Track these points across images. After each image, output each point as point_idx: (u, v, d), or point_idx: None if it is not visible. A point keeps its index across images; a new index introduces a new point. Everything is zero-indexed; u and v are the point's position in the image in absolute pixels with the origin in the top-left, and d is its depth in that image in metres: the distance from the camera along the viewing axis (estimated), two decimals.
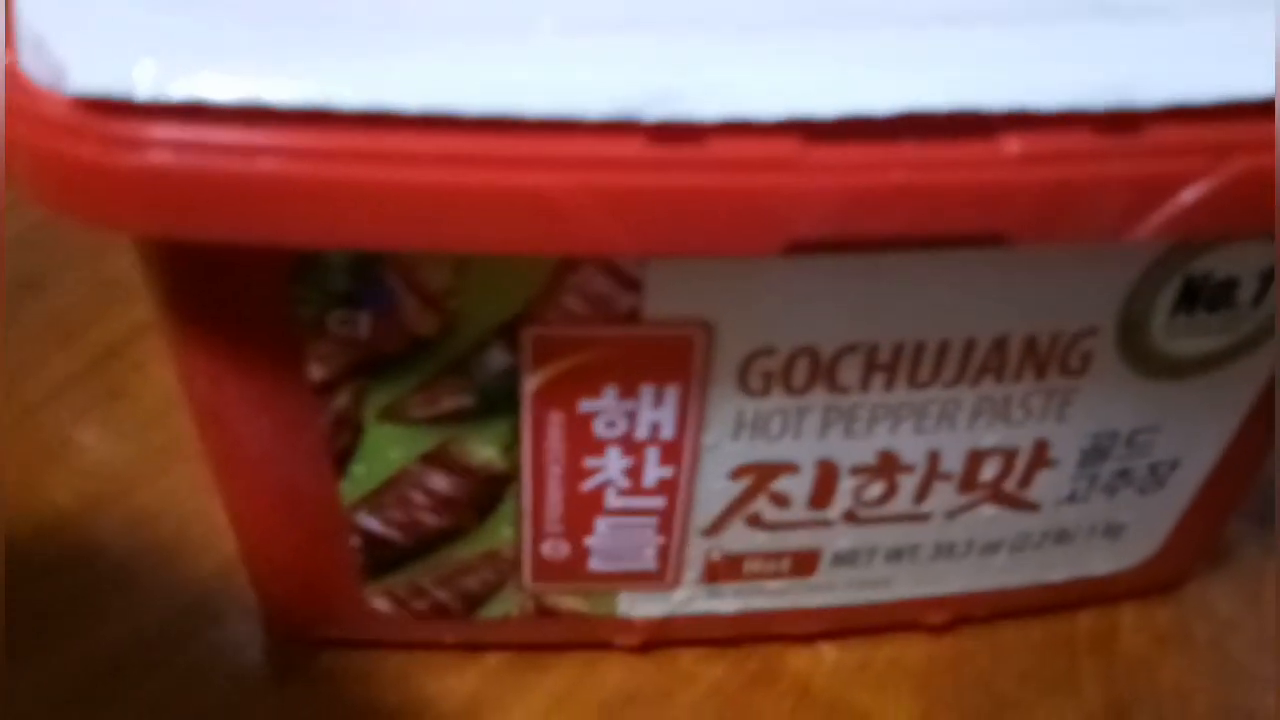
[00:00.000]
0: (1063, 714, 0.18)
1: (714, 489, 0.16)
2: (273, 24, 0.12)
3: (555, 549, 0.16)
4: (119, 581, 0.19)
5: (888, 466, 0.16)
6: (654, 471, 0.15)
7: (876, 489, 0.16)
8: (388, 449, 0.15)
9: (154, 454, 0.21)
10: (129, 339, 0.23)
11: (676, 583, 0.17)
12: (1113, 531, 0.18)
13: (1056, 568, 0.18)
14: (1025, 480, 0.16)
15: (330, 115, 0.11)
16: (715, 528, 0.16)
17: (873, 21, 0.12)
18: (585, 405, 0.14)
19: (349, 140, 0.11)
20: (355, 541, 0.16)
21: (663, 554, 0.16)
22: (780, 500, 0.16)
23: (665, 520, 0.16)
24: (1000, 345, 0.14)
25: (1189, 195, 0.12)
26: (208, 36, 0.12)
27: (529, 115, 0.11)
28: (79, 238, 0.25)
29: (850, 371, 0.14)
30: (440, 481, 0.15)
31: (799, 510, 0.16)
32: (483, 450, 0.15)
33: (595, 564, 0.16)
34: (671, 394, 0.14)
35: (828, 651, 0.18)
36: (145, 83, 0.11)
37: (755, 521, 0.16)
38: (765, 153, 0.11)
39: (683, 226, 0.12)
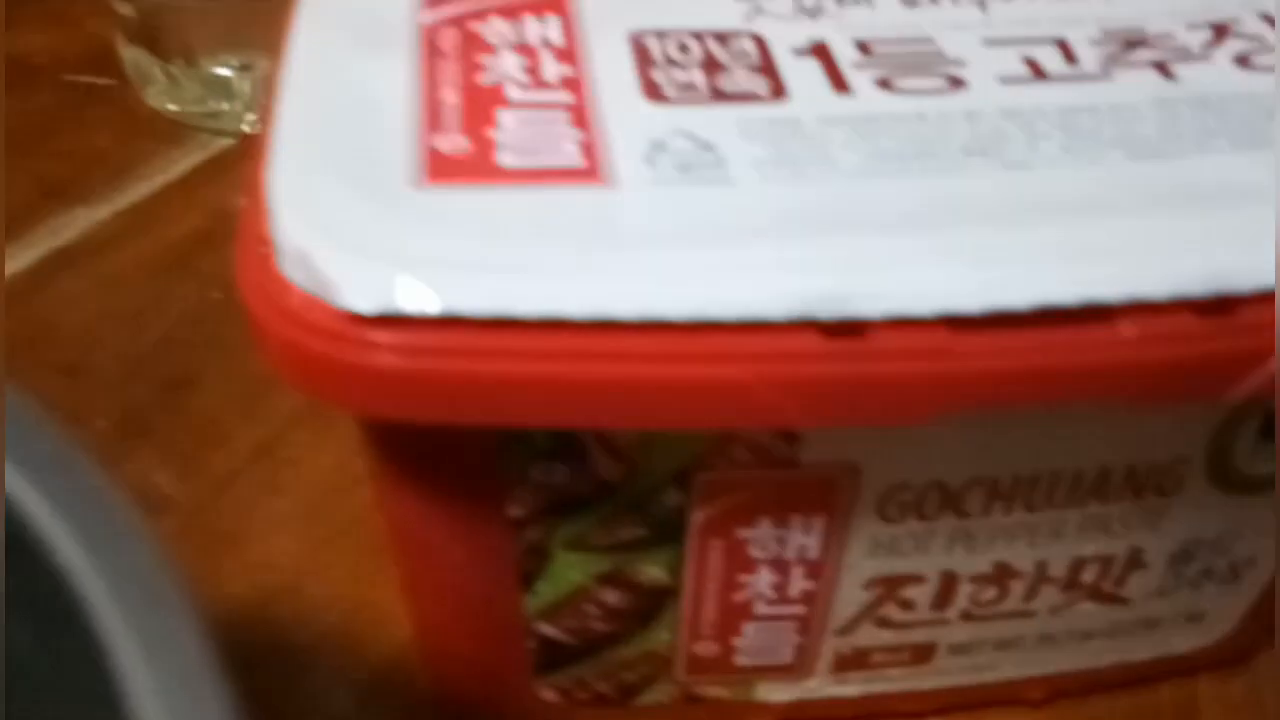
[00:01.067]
0: None
1: (849, 598, 0.18)
2: (504, 241, 0.14)
3: (706, 649, 0.18)
4: (300, 669, 0.21)
5: (1001, 574, 0.18)
6: (798, 585, 0.17)
7: (990, 593, 0.18)
8: (569, 571, 0.17)
9: (317, 546, 0.23)
10: (280, 435, 0.26)
11: (809, 674, 0.19)
12: (1194, 618, 0.20)
13: (1143, 649, 0.20)
14: (1120, 581, 0.18)
15: (561, 323, 0.13)
16: (847, 629, 0.18)
17: (1003, 217, 0.14)
18: (742, 533, 0.17)
19: (577, 342, 0.13)
20: (531, 644, 0.18)
21: (799, 651, 0.19)
22: (906, 604, 0.18)
23: (804, 624, 0.18)
24: (1104, 474, 0.16)
25: (1274, 363, 0.14)
26: (449, 254, 0.14)
27: (726, 319, 0.13)
28: (222, 334, 0.28)
29: (974, 500, 0.16)
30: (612, 596, 0.17)
31: (922, 612, 0.18)
32: (651, 570, 0.17)
33: (740, 660, 0.19)
34: (818, 523, 0.16)
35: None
36: (408, 300, 0.13)
37: (882, 622, 0.18)
38: (919, 343, 0.14)
39: (848, 405, 0.14)
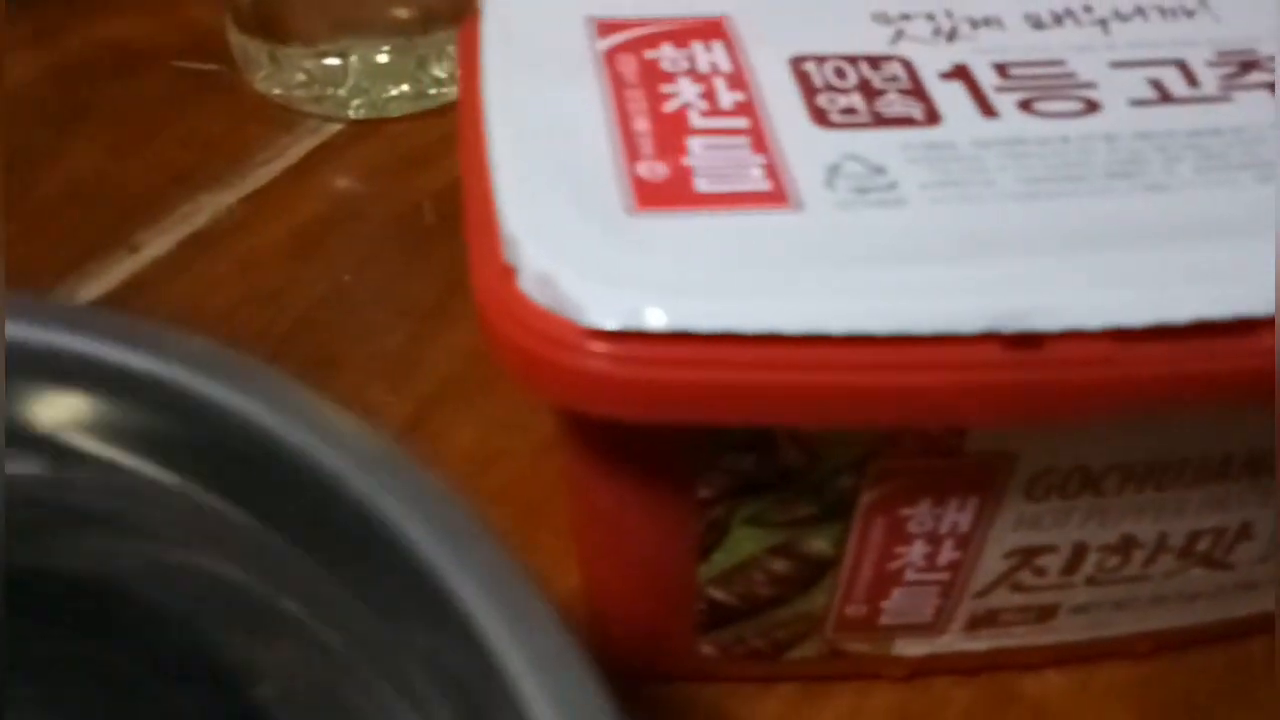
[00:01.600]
0: None
1: (989, 567, 0.20)
2: (714, 263, 0.16)
3: (856, 610, 0.20)
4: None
5: (1126, 545, 0.20)
6: (946, 555, 0.19)
7: (1114, 561, 0.20)
8: (744, 544, 0.19)
9: None
10: (421, 413, 0.28)
11: (943, 631, 0.21)
12: None
13: (1240, 607, 0.22)
14: (1229, 550, 0.20)
15: (773, 337, 0.15)
16: (983, 592, 0.20)
17: (1152, 237, 0.16)
18: (904, 511, 0.19)
19: (788, 354, 0.15)
20: (700, 606, 0.20)
21: (938, 612, 0.21)
22: (1038, 571, 0.20)
23: (946, 589, 0.20)
24: (1227, 459, 0.18)
25: None
26: (669, 276, 0.16)
27: (920, 333, 0.15)
28: (358, 316, 0.30)
29: (1111, 482, 0.18)
30: (779, 565, 0.19)
31: (1051, 578, 0.20)
32: (817, 543, 0.19)
33: (884, 620, 0.21)
34: (972, 502, 0.19)
35: (1053, 676, 0.23)
36: (641, 319, 0.15)
37: (1015, 587, 0.20)
38: (1089, 354, 0.16)
39: (1025, 409, 0.16)
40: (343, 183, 0.33)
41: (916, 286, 0.16)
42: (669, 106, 0.19)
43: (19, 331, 0.13)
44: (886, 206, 0.17)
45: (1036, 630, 0.21)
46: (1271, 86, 0.19)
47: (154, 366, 0.13)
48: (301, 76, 0.35)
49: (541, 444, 0.26)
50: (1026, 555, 0.20)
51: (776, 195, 0.17)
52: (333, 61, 0.34)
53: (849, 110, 0.19)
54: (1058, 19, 0.21)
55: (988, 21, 0.21)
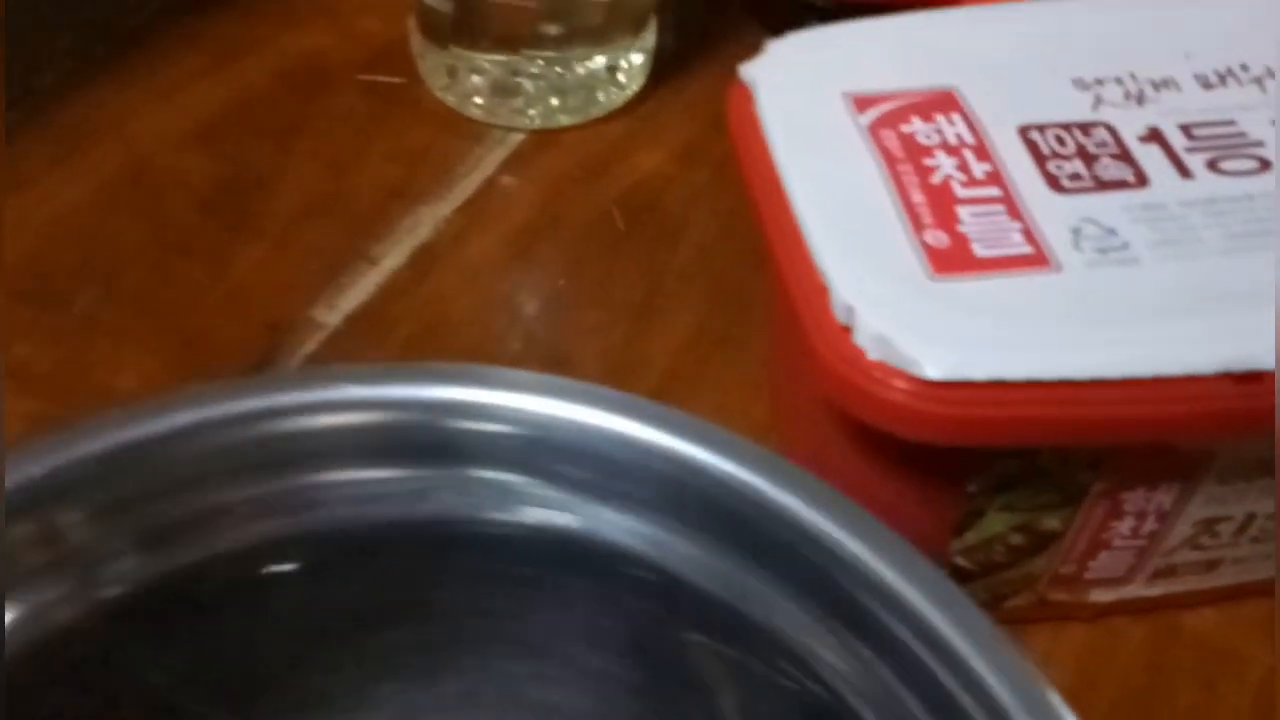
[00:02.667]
0: None
1: (1178, 534, 0.25)
2: (1002, 321, 0.21)
3: (1067, 570, 0.26)
4: None
5: None
6: (1148, 527, 0.24)
7: (1272, 523, 0.25)
8: (994, 524, 0.24)
9: None
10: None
11: (1130, 582, 0.26)
12: None
13: None
14: None
15: (1063, 382, 0.20)
16: (1169, 553, 0.25)
17: None
18: (1123, 495, 0.24)
19: (1076, 393, 0.20)
20: (945, 572, 0.25)
21: (1131, 569, 0.26)
22: (1214, 535, 0.25)
23: (1142, 552, 0.25)
24: None
25: None
26: (974, 333, 0.20)
27: (1172, 374, 0.20)
28: (580, 318, 0.34)
29: None
30: (1016, 539, 0.24)
31: (1224, 539, 0.25)
32: (1050, 522, 0.24)
33: (1088, 576, 0.26)
34: (1176, 487, 0.23)
35: (1208, 613, 0.28)
36: (963, 370, 0.20)
37: (1195, 546, 0.25)
38: None
39: (1245, 427, 0.21)
40: (537, 192, 0.37)
41: (1164, 337, 0.20)
42: (934, 179, 0.23)
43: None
44: (1125, 265, 0.22)
45: (1203, 578, 0.27)
46: None
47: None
48: (481, 89, 0.39)
49: (756, 425, 0.31)
50: (1209, 524, 0.25)
51: (1038, 258, 0.22)
52: (511, 75, 0.38)
53: (1075, 176, 0.23)
54: (1221, 79, 0.25)
55: (1166, 84, 0.25)
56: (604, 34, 0.38)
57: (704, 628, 0.19)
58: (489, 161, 0.38)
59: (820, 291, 0.21)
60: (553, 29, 0.37)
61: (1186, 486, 0.23)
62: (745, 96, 0.25)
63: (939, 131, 0.24)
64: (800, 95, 0.25)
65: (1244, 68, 0.26)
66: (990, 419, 0.20)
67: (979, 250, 0.22)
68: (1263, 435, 0.22)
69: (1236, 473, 0.23)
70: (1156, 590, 0.27)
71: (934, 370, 0.20)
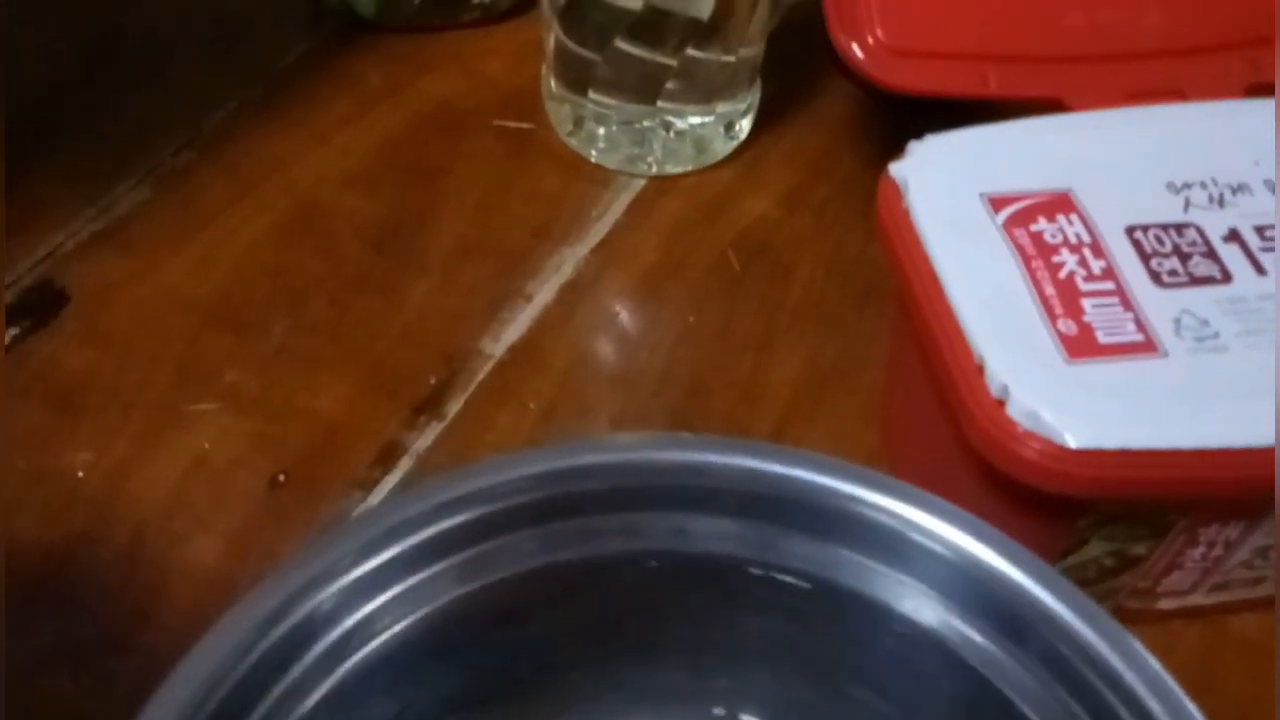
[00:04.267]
0: None
1: (1238, 558, 0.31)
2: (1127, 399, 0.26)
3: (1144, 584, 0.31)
4: None
5: None
6: (1216, 553, 0.30)
7: None
8: (1093, 550, 0.30)
9: None
10: (780, 428, 0.37)
11: (1193, 594, 0.32)
12: None
13: None
14: None
15: (1179, 451, 0.26)
16: (1228, 571, 0.31)
17: None
18: (1199, 530, 0.29)
19: (1188, 459, 0.26)
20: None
21: (1196, 583, 0.31)
22: (1264, 558, 0.31)
23: (1207, 571, 0.31)
24: None
25: None
26: (1106, 410, 0.26)
27: (1263, 444, 0.26)
28: (710, 350, 0.39)
29: None
30: (1109, 561, 0.30)
31: (1271, 561, 0.31)
32: (1138, 549, 0.30)
33: (1160, 590, 0.32)
34: (1243, 523, 0.29)
35: (1250, 617, 0.34)
36: (1097, 440, 0.25)
37: (1248, 567, 0.31)
38: None
39: None
40: (661, 235, 0.42)
41: (1250, 415, 0.26)
42: (1062, 274, 0.28)
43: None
44: (1217, 352, 0.27)
45: (1249, 590, 0.32)
46: None
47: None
48: (607, 136, 0.43)
49: (869, 451, 0.37)
50: (1262, 550, 0.30)
51: (1148, 345, 0.27)
52: (638, 124, 0.43)
53: (1173, 272, 0.29)
54: None
55: (1241, 188, 0.31)
56: (723, 89, 0.43)
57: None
58: (617, 206, 0.43)
59: (977, 370, 0.27)
60: (682, 84, 0.42)
61: (1251, 523, 0.29)
62: (895, 192, 0.30)
63: (1061, 230, 0.29)
64: (944, 194, 0.30)
65: None
66: (1116, 479, 0.26)
67: (1101, 338, 0.27)
68: None
69: None
70: (1211, 600, 0.33)
71: (1074, 441, 0.25)
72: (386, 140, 0.45)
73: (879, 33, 0.34)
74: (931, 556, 0.24)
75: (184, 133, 0.44)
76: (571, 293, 0.40)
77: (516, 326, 0.39)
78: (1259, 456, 0.26)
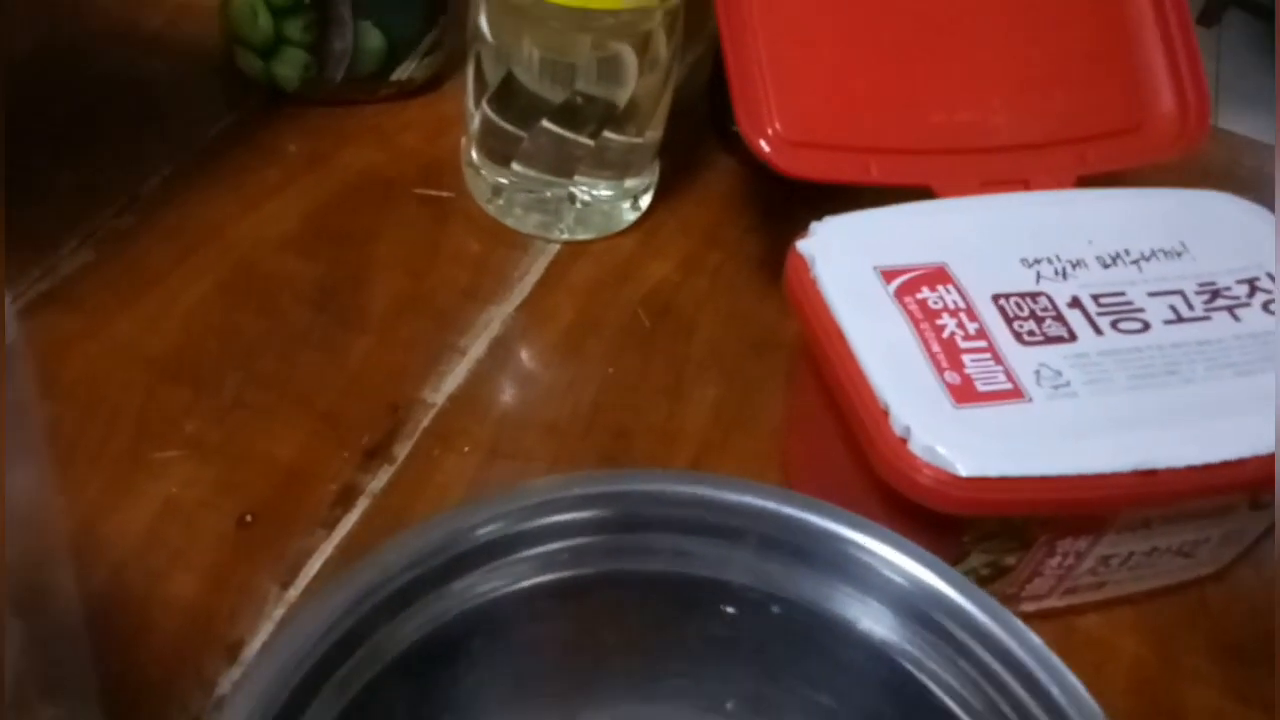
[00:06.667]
0: None
1: (1086, 567, 0.37)
2: (1004, 437, 0.32)
3: (1010, 590, 0.37)
4: None
5: (1153, 550, 0.37)
6: (1068, 562, 0.36)
7: (1144, 558, 0.38)
8: (972, 562, 0.36)
9: None
10: (697, 462, 0.42)
11: (1048, 599, 0.38)
12: (1216, 561, 0.40)
13: (1192, 574, 0.40)
14: (1196, 548, 0.38)
15: (1046, 478, 0.32)
16: (1076, 578, 0.38)
17: (1201, 411, 0.34)
18: (1057, 543, 0.35)
19: (1051, 485, 0.32)
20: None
21: (1051, 589, 0.38)
22: (1107, 566, 0.37)
23: (1061, 579, 0.37)
24: (1227, 507, 0.36)
25: None
26: (988, 446, 0.32)
27: (1105, 472, 0.32)
28: (637, 400, 0.44)
29: (1158, 524, 0.36)
30: (984, 570, 0.36)
31: (1112, 569, 0.38)
32: (1009, 559, 0.36)
33: (1023, 595, 0.38)
34: (1090, 537, 0.36)
35: (1093, 616, 0.40)
36: (984, 470, 0.31)
37: (1093, 574, 0.38)
38: (1176, 476, 0.33)
39: (1144, 504, 0.33)
40: (576, 296, 0.47)
41: (1100, 447, 0.32)
42: (945, 335, 0.35)
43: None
44: (1070, 397, 0.34)
45: (1092, 594, 0.39)
46: (1229, 310, 0.37)
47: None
48: (524, 204, 0.48)
49: (774, 483, 0.42)
50: (1105, 559, 0.37)
51: (1017, 392, 0.33)
52: (553, 196, 0.48)
53: (1031, 333, 0.35)
54: (1114, 259, 0.38)
55: (1079, 263, 0.38)
56: (631, 167, 0.48)
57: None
58: (536, 269, 0.48)
59: (882, 414, 0.33)
60: (595, 161, 0.47)
61: (1097, 536, 0.36)
62: (802, 265, 0.36)
63: (941, 298, 0.35)
64: (844, 266, 0.36)
65: (1126, 252, 0.38)
66: (996, 500, 0.32)
67: (980, 386, 0.33)
68: (1150, 507, 0.35)
69: (1128, 528, 0.36)
70: (1063, 603, 0.39)
71: (964, 470, 0.31)
72: (316, 207, 0.48)
73: (778, 126, 0.40)
74: (874, 571, 0.29)
75: (122, 198, 0.47)
76: (501, 347, 0.45)
77: (454, 378, 0.43)
78: (1101, 480, 0.32)
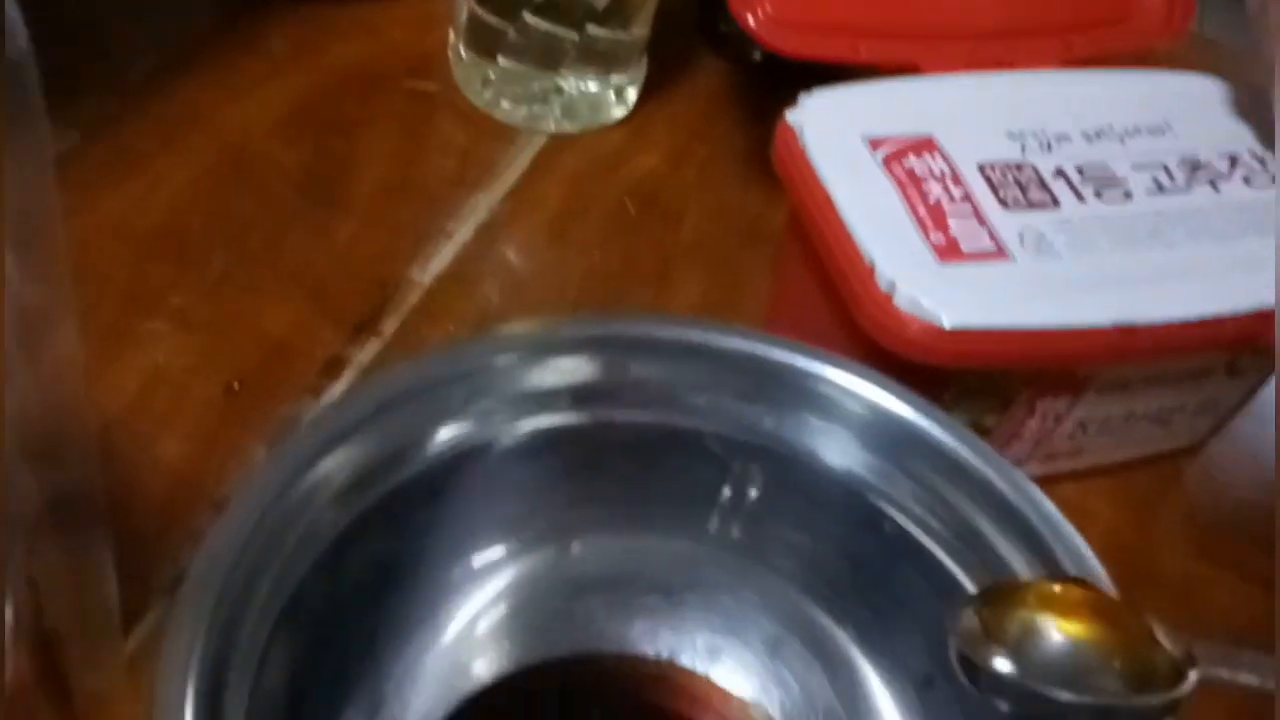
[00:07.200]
0: None
1: (1065, 431, 0.38)
2: (986, 293, 0.33)
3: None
4: None
5: (1129, 415, 0.38)
6: (1047, 425, 0.37)
7: (1120, 423, 0.38)
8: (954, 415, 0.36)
9: None
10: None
11: (1026, 465, 0.39)
12: (1194, 434, 0.41)
13: (1167, 445, 0.41)
14: (1173, 416, 0.39)
15: (1024, 329, 0.32)
16: (1055, 443, 0.38)
17: (1175, 275, 0.34)
18: (1037, 403, 0.36)
19: (1030, 335, 0.32)
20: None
21: (1030, 454, 0.38)
22: (1085, 431, 0.38)
23: (1039, 442, 0.38)
24: (1204, 369, 0.37)
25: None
26: (970, 299, 0.32)
27: (1083, 325, 0.33)
28: (617, 280, 0.44)
29: (1137, 385, 0.36)
30: None
31: (1089, 435, 0.38)
32: (989, 420, 0.36)
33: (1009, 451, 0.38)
34: (1069, 398, 0.36)
35: (1069, 484, 0.41)
36: (966, 321, 0.32)
37: (1071, 438, 0.38)
38: (1156, 332, 0.33)
39: (1123, 358, 0.33)
40: (563, 186, 0.47)
41: (1082, 302, 0.33)
42: (930, 200, 0.35)
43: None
44: (1054, 258, 0.34)
45: (1069, 461, 0.40)
46: (1211, 183, 0.37)
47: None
48: (513, 97, 0.48)
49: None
50: (1083, 424, 0.38)
51: (1001, 253, 0.34)
52: (541, 88, 0.48)
53: (1016, 199, 0.36)
54: (1100, 134, 0.38)
55: (1063, 137, 0.38)
56: (618, 62, 0.48)
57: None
58: (522, 160, 0.48)
59: (868, 272, 0.33)
60: (581, 55, 0.47)
61: (1076, 397, 0.36)
62: (791, 134, 0.36)
63: (928, 166, 0.36)
64: (832, 135, 0.36)
65: (1110, 127, 0.38)
66: (979, 352, 0.32)
67: (964, 247, 0.34)
68: (1128, 364, 0.36)
69: (1106, 389, 0.36)
70: (1042, 470, 0.40)
71: (948, 322, 0.32)
72: (303, 98, 0.48)
73: (768, 6, 0.40)
74: (848, 406, 0.30)
75: (107, 85, 0.47)
76: (488, 232, 0.45)
77: (441, 259, 0.44)
78: (1082, 334, 0.33)
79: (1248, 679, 0.20)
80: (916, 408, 0.30)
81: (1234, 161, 0.38)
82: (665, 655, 0.33)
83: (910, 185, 0.35)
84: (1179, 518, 0.41)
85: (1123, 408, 0.37)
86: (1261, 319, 0.34)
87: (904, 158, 0.36)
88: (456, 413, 0.29)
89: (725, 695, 0.32)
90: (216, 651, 0.25)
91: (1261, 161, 0.38)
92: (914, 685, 0.31)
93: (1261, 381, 0.39)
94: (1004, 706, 0.25)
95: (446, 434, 0.29)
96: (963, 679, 0.25)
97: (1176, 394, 0.38)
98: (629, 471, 0.32)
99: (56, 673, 0.27)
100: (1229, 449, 0.42)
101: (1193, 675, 0.21)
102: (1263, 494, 0.42)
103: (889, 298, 0.33)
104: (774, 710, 0.32)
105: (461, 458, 0.30)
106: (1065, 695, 0.24)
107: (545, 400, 0.30)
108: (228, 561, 0.26)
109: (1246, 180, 0.38)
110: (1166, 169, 0.37)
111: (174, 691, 0.23)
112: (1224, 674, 0.20)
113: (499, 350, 0.30)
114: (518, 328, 0.32)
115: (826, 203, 0.35)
